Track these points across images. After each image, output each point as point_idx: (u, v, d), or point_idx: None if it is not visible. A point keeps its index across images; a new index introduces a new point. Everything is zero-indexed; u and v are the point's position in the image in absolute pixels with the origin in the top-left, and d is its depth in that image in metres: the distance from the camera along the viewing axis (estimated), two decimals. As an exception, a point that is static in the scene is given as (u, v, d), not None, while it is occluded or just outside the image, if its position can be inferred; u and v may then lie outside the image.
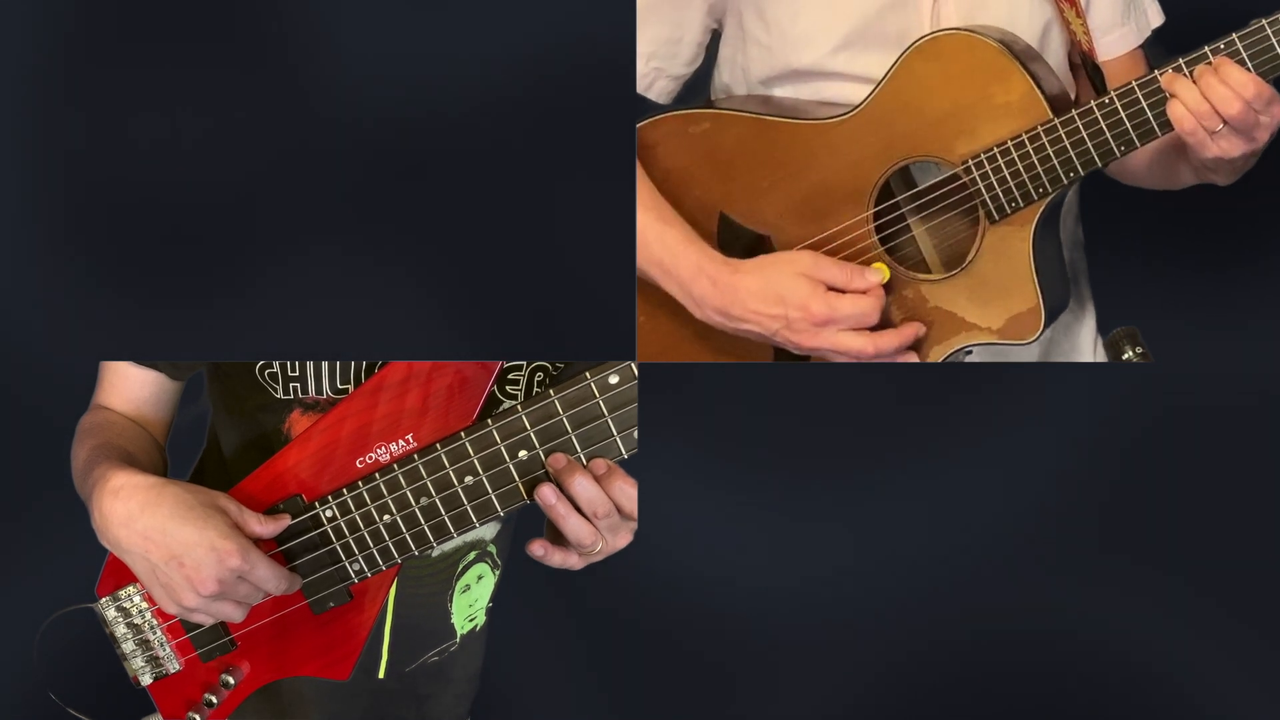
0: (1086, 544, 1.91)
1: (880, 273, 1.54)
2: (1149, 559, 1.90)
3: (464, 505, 1.27)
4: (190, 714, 1.37)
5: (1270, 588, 1.90)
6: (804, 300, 1.51)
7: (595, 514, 1.24)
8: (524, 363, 1.41)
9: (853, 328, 1.52)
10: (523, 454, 1.25)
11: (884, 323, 1.55)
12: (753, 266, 1.54)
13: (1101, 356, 1.70)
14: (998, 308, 1.53)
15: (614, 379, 1.22)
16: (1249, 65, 1.41)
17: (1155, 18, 1.66)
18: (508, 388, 1.40)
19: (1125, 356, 1.48)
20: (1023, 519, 1.90)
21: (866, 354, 1.52)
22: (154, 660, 1.37)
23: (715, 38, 1.64)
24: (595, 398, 1.22)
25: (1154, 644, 1.91)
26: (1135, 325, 1.65)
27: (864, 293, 1.52)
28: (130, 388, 1.45)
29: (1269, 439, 1.88)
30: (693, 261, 1.54)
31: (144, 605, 1.35)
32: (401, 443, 1.28)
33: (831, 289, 1.53)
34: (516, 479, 1.25)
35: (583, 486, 1.23)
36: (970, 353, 1.58)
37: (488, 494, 1.26)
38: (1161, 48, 1.64)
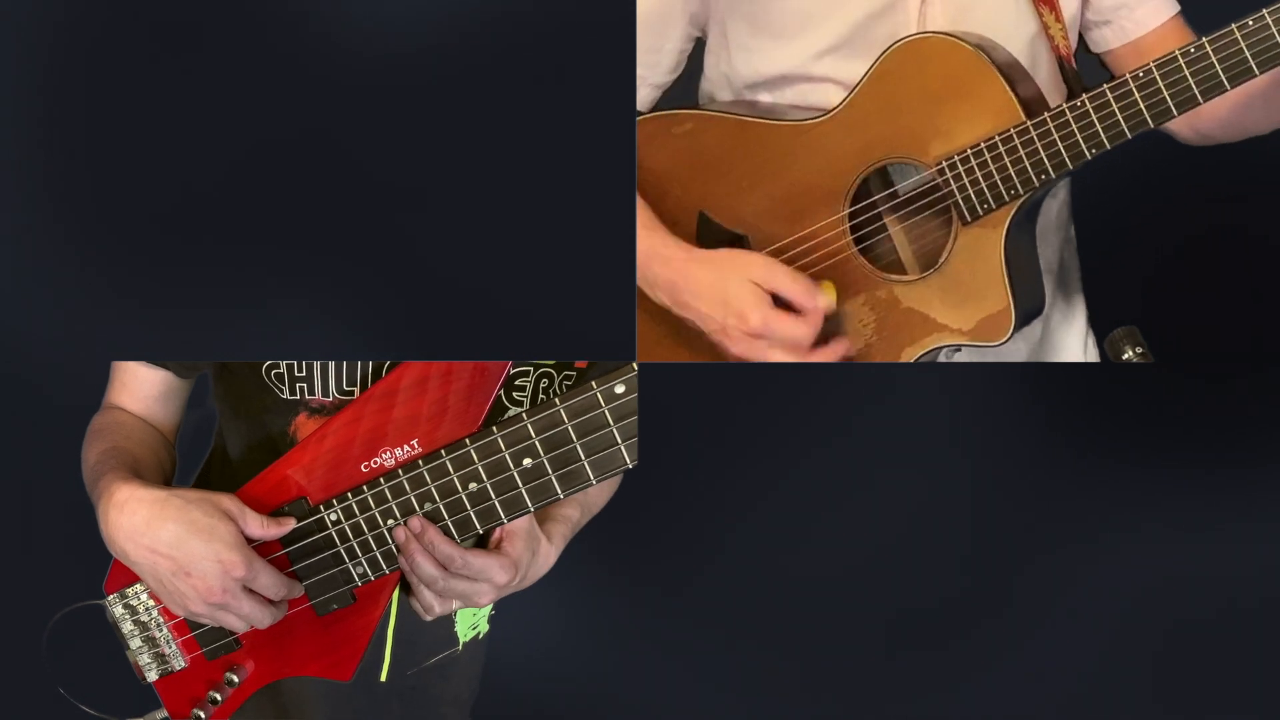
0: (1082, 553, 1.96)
1: (829, 295, 1.54)
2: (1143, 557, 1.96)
3: (467, 511, 1.28)
4: (195, 711, 1.38)
5: (1268, 583, 1.95)
6: (745, 310, 1.52)
7: (429, 585, 1.29)
8: (530, 368, 1.41)
9: (784, 349, 1.53)
10: (527, 461, 1.26)
11: (834, 330, 1.57)
12: (707, 258, 1.55)
13: (1092, 355, 1.71)
14: (969, 309, 1.54)
15: (620, 389, 1.23)
16: (1249, 57, 1.38)
17: None
18: (514, 394, 1.40)
19: (1125, 356, 1.48)
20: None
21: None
22: (160, 657, 1.38)
23: (699, 46, 1.64)
24: (600, 407, 1.23)
25: (1149, 643, 1.97)
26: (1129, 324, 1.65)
27: (806, 314, 1.52)
28: (140, 386, 1.46)
29: (1267, 439, 1.92)
30: (646, 245, 1.56)
31: (150, 603, 1.36)
32: (407, 448, 1.28)
33: (779, 301, 1.53)
34: (520, 486, 1.26)
35: (417, 563, 1.28)
36: (959, 350, 1.59)
37: (491, 500, 1.27)
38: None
